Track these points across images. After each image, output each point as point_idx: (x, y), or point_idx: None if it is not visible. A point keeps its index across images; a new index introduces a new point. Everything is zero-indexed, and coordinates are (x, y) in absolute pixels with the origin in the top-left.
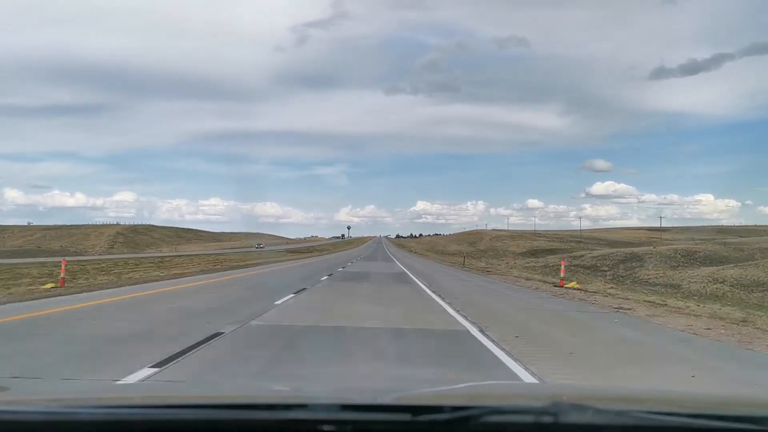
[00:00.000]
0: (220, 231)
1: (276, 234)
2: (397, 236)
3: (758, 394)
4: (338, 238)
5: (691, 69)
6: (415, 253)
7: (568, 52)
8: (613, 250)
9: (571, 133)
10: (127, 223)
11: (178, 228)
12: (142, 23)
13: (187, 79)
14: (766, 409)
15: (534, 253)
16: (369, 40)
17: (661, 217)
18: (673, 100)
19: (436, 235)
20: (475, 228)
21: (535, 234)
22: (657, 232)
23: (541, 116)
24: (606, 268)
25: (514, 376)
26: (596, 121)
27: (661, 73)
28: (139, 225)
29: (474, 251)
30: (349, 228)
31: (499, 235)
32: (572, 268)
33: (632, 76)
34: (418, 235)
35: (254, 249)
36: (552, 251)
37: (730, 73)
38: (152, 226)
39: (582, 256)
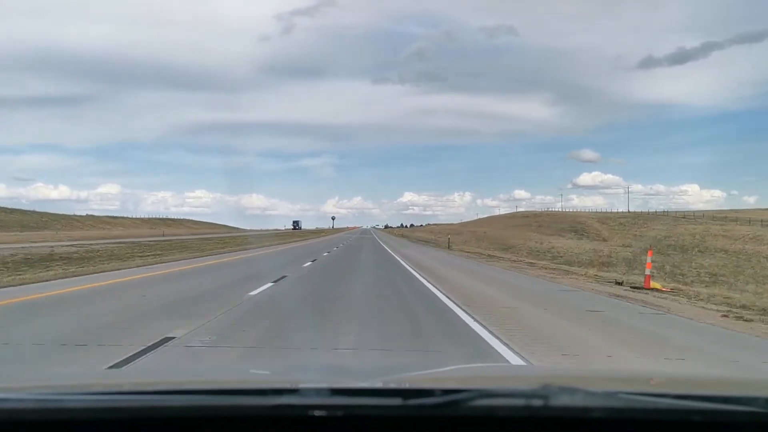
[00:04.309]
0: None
1: (234, 225)
2: (386, 227)
3: (747, 376)
4: (296, 228)
5: (679, 58)
6: (502, 259)
7: (556, 42)
8: None
9: (559, 124)
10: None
11: None
12: (126, 12)
13: (171, 69)
14: (753, 390)
15: None
16: (356, 29)
17: None
18: (660, 90)
19: (429, 224)
20: (530, 209)
21: (656, 214)
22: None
23: (529, 106)
24: None
25: None
26: (584, 111)
27: (649, 63)
28: None
29: (636, 252)
30: (333, 219)
31: (610, 217)
32: None
33: (620, 66)
34: (408, 226)
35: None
36: None
37: (717, 62)
38: None
39: None
